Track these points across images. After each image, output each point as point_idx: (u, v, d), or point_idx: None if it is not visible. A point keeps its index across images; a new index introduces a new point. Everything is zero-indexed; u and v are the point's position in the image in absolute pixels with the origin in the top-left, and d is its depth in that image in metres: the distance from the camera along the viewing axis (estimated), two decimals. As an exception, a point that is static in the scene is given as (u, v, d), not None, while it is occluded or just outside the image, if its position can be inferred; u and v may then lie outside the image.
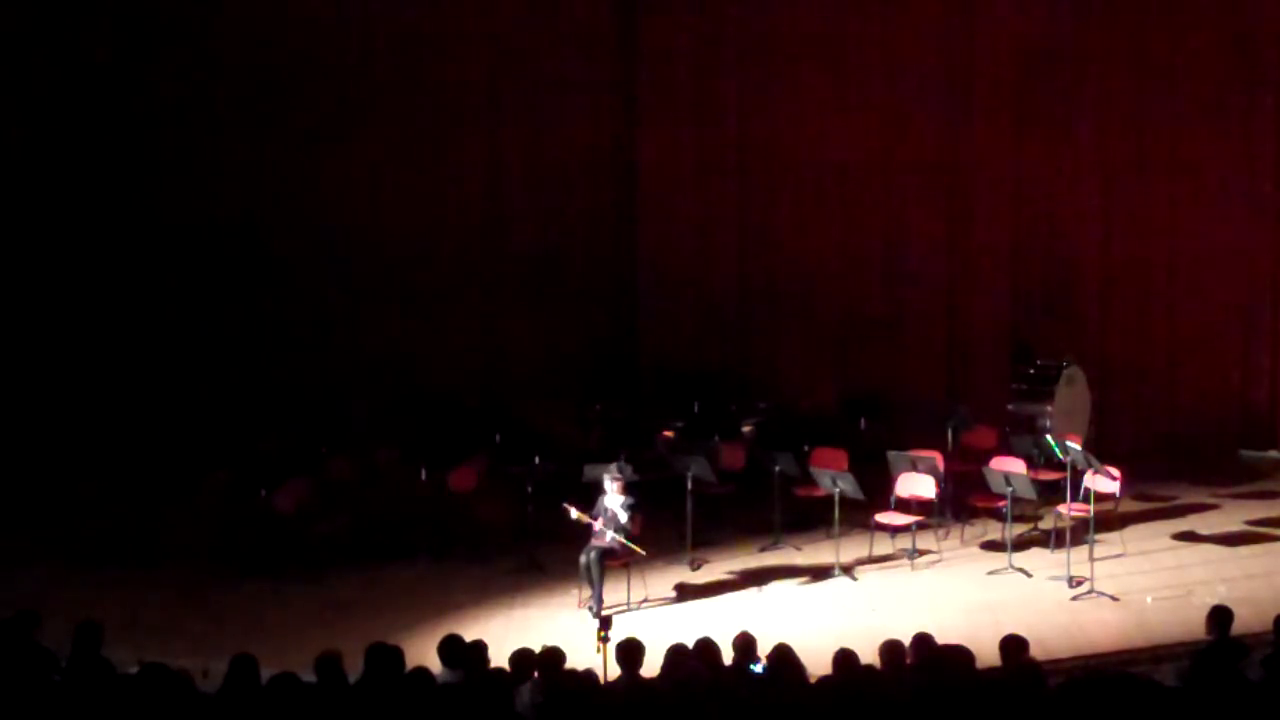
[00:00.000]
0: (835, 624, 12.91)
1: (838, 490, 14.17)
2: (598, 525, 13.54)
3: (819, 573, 14.36)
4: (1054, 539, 14.67)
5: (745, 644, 9.75)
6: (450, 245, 19.21)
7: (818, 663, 9.45)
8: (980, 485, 14.82)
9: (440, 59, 19.10)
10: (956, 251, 18.98)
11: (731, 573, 14.47)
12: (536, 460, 15.11)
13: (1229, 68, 18.21)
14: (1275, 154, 18.27)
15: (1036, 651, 10.18)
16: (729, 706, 8.47)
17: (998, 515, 14.91)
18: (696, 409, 17.56)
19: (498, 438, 16.51)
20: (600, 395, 17.89)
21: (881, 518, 14.72)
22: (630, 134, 19.45)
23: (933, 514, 15.20)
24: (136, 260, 18.76)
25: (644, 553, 13.51)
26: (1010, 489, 14.16)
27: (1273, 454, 18.20)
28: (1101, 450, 15.23)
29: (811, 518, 15.32)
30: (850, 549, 14.54)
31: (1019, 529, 14.90)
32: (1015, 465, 14.79)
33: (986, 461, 14.98)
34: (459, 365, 18.92)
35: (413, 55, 19.03)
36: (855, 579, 14.24)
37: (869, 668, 9.25)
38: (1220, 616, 10.14)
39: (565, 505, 13.73)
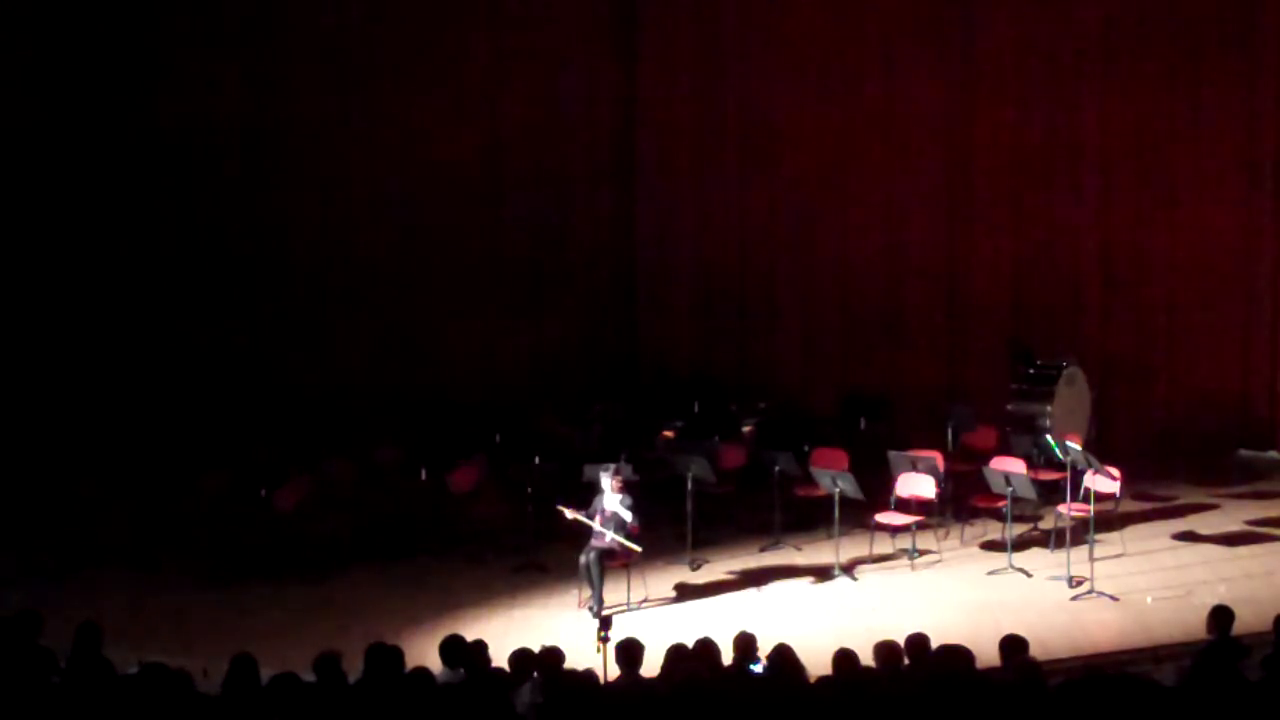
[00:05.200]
0: (835, 624, 12.91)
1: (838, 490, 14.17)
2: (597, 525, 13.54)
3: (819, 573, 14.35)
4: (1054, 539, 14.67)
5: (745, 644, 9.75)
6: (450, 246, 19.23)
7: (818, 663, 9.44)
8: (980, 485, 14.82)
9: (439, 57, 19.11)
10: (957, 251, 18.99)
11: (731, 573, 14.46)
12: (536, 460, 15.11)
13: (1229, 67, 18.20)
14: (1275, 153, 18.26)
15: (1036, 651, 10.17)
16: (729, 706, 8.47)
17: (998, 515, 14.91)
18: (696, 409, 17.57)
19: (498, 438, 16.52)
20: (600, 395, 17.90)
21: (881, 518, 14.72)
22: (630, 132, 19.46)
23: (933, 514, 15.20)
24: (137, 261, 18.76)
25: (640, 549, 13.49)
26: (1010, 489, 14.16)
27: (1273, 454, 18.20)
28: (1101, 450, 15.23)
29: (811, 518, 15.32)
30: (850, 549, 14.53)
31: (1019, 529, 14.90)
32: (1015, 465, 14.79)
33: (986, 461, 14.98)
34: (459, 365, 18.93)
35: (412, 55, 19.05)
36: (855, 579, 14.24)
37: (869, 668, 9.25)
38: (1221, 616, 10.14)
39: (559, 507, 13.74)
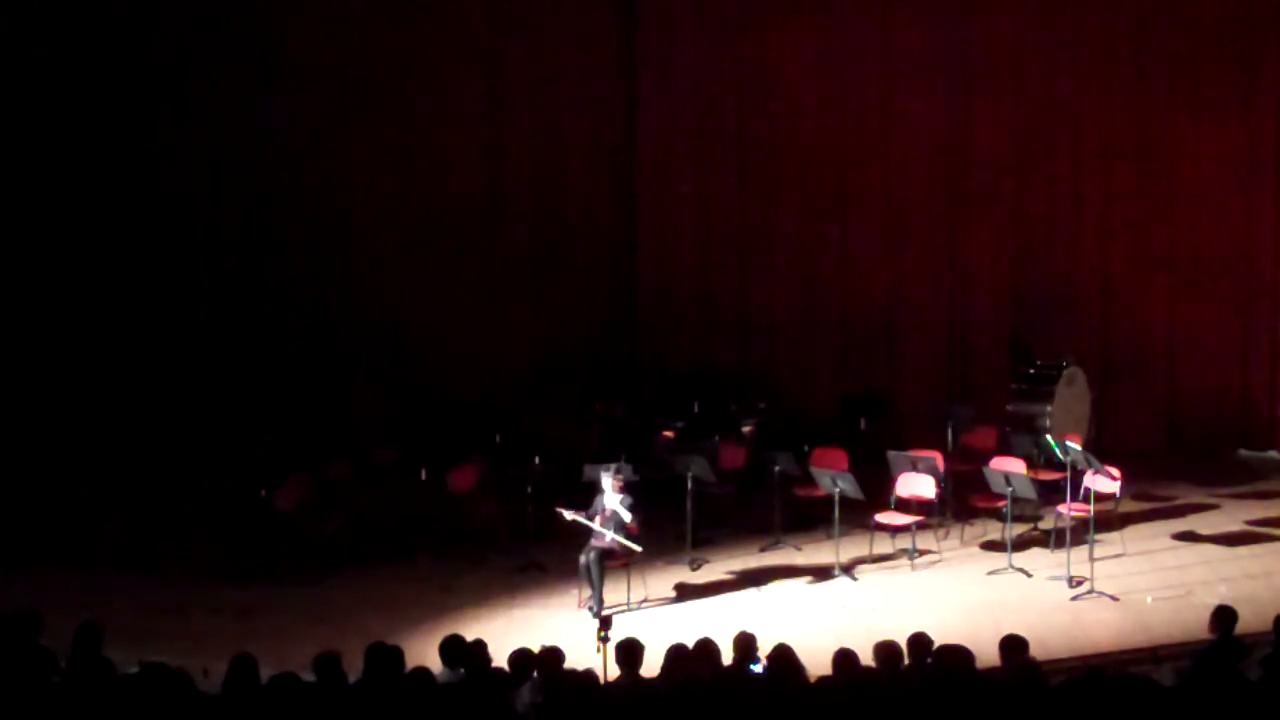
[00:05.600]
0: (835, 624, 12.91)
1: (838, 490, 14.17)
2: (597, 525, 13.54)
3: (819, 573, 14.35)
4: (1054, 539, 14.68)
5: (745, 644, 9.75)
6: (450, 245, 19.20)
7: (818, 663, 9.44)
8: (980, 485, 14.82)
9: (440, 52, 19.08)
10: (956, 251, 18.99)
11: (731, 573, 14.46)
12: (536, 460, 15.11)
13: (1230, 66, 18.21)
14: (1275, 154, 18.27)
15: (1036, 651, 10.17)
16: (729, 706, 8.47)
17: (998, 515, 14.91)
18: (696, 409, 17.56)
19: (497, 438, 16.52)
20: (600, 395, 17.89)
21: (881, 518, 14.72)
22: (630, 132, 19.45)
23: (933, 514, 15.20)
24: (136, 261, 18.75)
25: (639, 549, 13.49)
26: (1010, 489, 14.16)
27: (1273, 454, 18.22)
28: (1101, 450, 15.23)
29: (811, 518, 15.31)
30: (850, 549, 14.53)
31: (1019, 529, 14.90)
32: (1015, 465, 14.79)
33: (986, 461, 14.98)
34: (458, 365, 18.92)
35: (412, 48, 19.01)
36: (855, 579, 14.23)
37: (869, 668, 9.25)
38: (1223, 616, 10.14)
39: (558, 509, 13.73)
